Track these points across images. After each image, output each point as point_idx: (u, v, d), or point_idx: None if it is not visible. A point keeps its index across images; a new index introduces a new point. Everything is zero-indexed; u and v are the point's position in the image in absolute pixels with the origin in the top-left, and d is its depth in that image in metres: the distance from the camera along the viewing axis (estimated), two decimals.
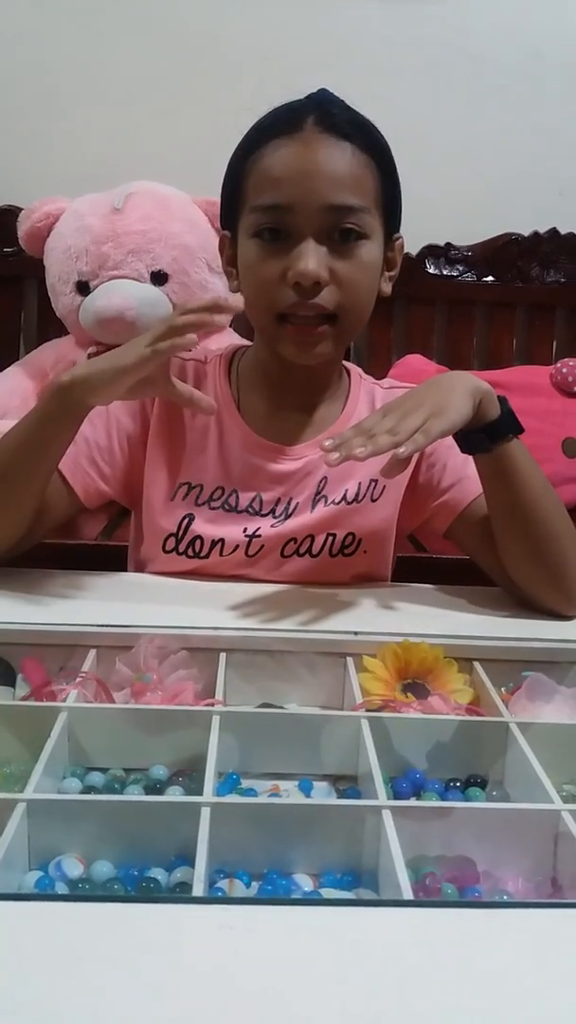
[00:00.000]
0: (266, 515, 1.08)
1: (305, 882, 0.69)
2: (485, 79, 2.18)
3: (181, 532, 1.08)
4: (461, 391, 0.97)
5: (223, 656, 0.91)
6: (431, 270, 2.22)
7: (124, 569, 1.17)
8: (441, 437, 0.94)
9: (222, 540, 1.08)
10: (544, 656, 0.94)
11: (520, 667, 0.92)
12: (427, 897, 0.65)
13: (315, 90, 1.04)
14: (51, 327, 2.07)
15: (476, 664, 0.92)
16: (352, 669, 0.91)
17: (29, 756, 0.75)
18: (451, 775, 0.82)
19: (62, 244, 1.88)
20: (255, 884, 0.68)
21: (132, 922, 0.55)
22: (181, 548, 1.09)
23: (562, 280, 2.25)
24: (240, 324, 1.82)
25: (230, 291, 1.09)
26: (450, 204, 2.17)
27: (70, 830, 0.69)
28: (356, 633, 0.95)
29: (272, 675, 0.93)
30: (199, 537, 1.08)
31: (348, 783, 0.82)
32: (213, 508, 1.08)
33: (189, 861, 0.64)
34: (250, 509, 1.08)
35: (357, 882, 0.69)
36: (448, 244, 2.22)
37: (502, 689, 0.89)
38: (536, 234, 2.23)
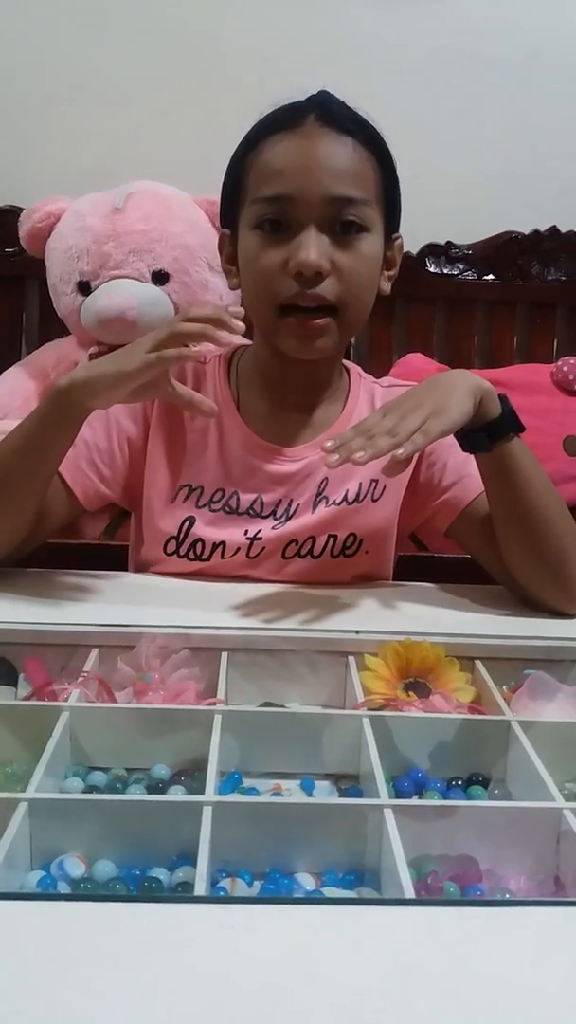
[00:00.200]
0: (267, 517, 1.08)
1: (307, 881, 0.69)
2: (484, 78, 2.18)
3: (182, 535, 1.08)
4: (462, 390, 0.97)
5: (225, 655, 0.91)
6: (431, 269, 2.22)
7: (126, 569, 1.17)
8: (441, 437, 0.94)
9: (223, 542, 1.08)
10: (546, 654, 0.94)
11: (522, 665, 0.92)
12: (429, 896, 0.65)
13: (316, 91, 1.04)
14: (52, 327, 2.07)
15: (478, 663, 0.92)
16: (354, 668, 0.91)
17: (31, 756, 0.75)
18: (453, 774, 0.82)
19: (63, 244, 1.88)
20: (257, 883, 0.68)
21: (134, 921, 0.55)
22: (182, 551, 1.09)
23: (563, 278, 2.25)
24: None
25: (229, 288, 1.09)
26: (450, 203, 2.17)
27: (72, 830, 0.69)
28: (357, 632, 0.95)
29: (274, 674, 0.93)
30: (200, 540, 1.08)
31: (350, 782, 0.82)
32: (214, 510, 1.08)
33: (191, 860, 0.64)
34: (251, 511, 1.08)
35: (359, 881, 0.69)
36: (449, 243, 2.22)
37: (504, 687, 0.89)
38: (536, 232, 2.23)
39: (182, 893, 0.65)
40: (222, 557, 1.08)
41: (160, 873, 0.68)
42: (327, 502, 1.08)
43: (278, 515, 1.08)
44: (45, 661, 0.89)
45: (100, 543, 1.53)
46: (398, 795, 0.78)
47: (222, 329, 0.93)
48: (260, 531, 1.07)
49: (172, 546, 1.09)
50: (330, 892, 0.68)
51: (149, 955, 0.52)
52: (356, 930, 0.56)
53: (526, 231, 2.23)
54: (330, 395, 1.12)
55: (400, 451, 0.89)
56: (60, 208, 1.93)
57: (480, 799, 0.78)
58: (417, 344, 2.19)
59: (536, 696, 0.86)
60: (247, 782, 0.81)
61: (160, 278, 1.85)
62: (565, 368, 2.00)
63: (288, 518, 1.08)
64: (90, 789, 0.78)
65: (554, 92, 2.20)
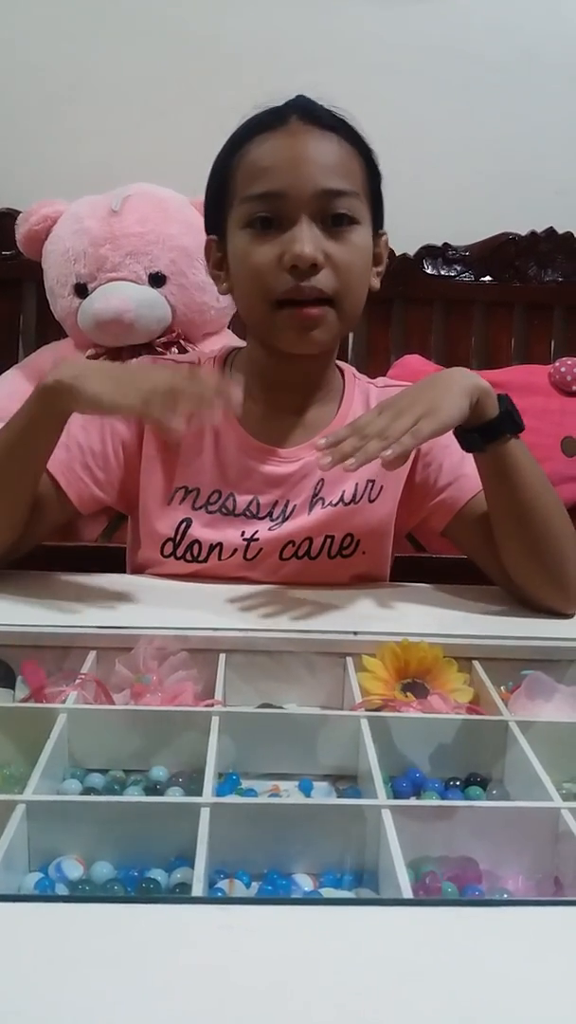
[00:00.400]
0: (263, 518, 1.08)
1: (305, 882, 0.69)
2: (481, 79, 2.18)
3: (179, 536, 1.08)
4: (457, 390, 0.97)
5: (223, 657, 0.91)
6: (429, 270, 2.22)
7: (123, 571, 1.17)
8: (433, 437, 0.94)
9: (220, 544, 1.08)
10: (543, 655, 0.94)
11: (519, 666, 0.92)
12: (427, 896, 0.65)
13: (294, 96, 1.04)
14: (50, 330, 2.07)
15: (475, 663, 0.92)
16: (351, 669, 0.91)
17: (29, 758, 0.75)
18: (451, 774, 0.82)
19: (60, 247, 1.89)
20: (255, 884, 0.68)
21: (132, 923, 0.55)
22: (179, 552, 1.09)
23: (559, 279, 2.25)
24: (238, 324, 1.82)
25: (219, 294, 1.09)
26: (447, 204, 2.18)
27: (70, 831, 0.69)
28: (355, 633, 0.95)
29: (272, 675, 0.93)
30: (197, 541, 1.08)
31: (348, 783, 0.82)
32: (210, 512, 1.08)
33: (189, 862, 0.64)
34: (247, 512, 1.08)
35: (357, 882, 0.69)
36: (446, 244, 2.22)
37: (502, 688, 0.89)
38: (533, 233, 2.23)
39: (180, 894, 0.65)
40: (219, 559, 1.08)
41: (158, 874, 0.68)
42: (323, 503, 1.08)
43: (275, 516, 1.08)
44: (43, 663, 0.89)
45: (98, 545, 1.53)
46: (396, 796, 0.78)
47: (219, 402, 0.92)
48: (257, 532, 1.07)
49: (169, 548, 1.09)
50: (328, 893, 0.68)
51: (147, 956, 0.52)
52: (354, 931, 0.56)
53: (523, 232, 2.23)
54: (324, 396, 1.12)
55: (388, 453, 0.90)
56: (57, 211, 1.93)
57: (478, 799, 0.78)
58: (414, 345, 2.19)
59: (534, 696, 0.86)
60: (245, 783, 0.81)
61: (157, 280, 1.85)
62: (563, 369, 2.01)
63: (285, 519, 1.08)
64: (88, 791, 0.78)
65: (551, 93, 2.21)
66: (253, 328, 1.09)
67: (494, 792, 0.80)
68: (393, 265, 2.12)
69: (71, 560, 1.13)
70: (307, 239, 0.98)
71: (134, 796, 0.76)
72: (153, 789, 0.78)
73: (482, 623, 1.01)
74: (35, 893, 0.65)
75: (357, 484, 1.09)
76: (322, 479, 1.08)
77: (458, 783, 0.81)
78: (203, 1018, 0.48)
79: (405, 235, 2.11)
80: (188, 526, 1.08)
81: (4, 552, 1.04)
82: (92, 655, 0.90)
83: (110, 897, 0.64)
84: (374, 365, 2.11)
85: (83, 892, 0.65)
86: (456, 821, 0.70)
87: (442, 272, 2.23)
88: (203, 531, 1.08)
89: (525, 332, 2.29)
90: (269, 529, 1.08)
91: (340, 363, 1.15)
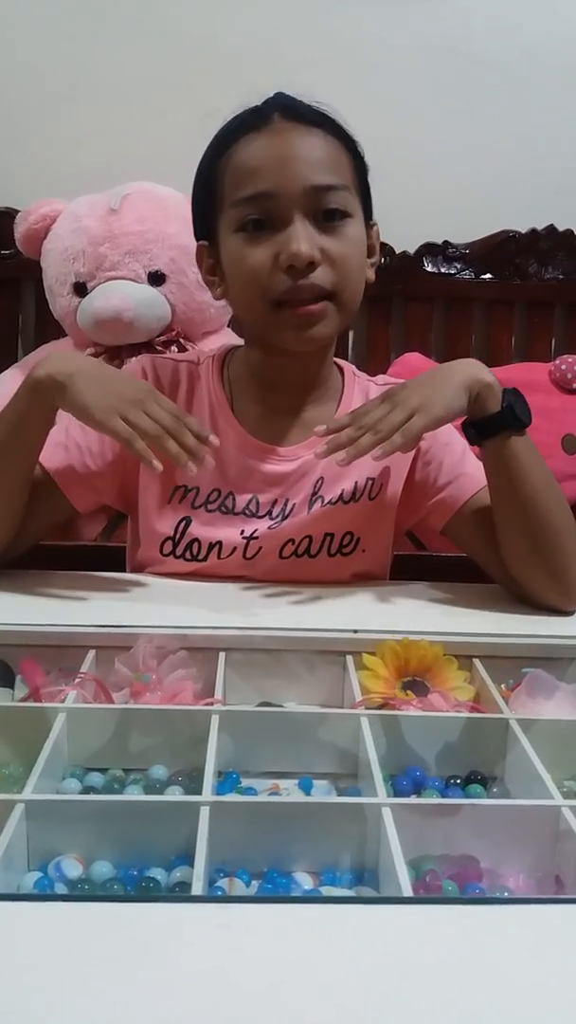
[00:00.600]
0: (263, 516, 1.08)
1: (305, 880, 0.69)
2: (480, 78, 2.18)
3: (178, 535, 1.08)
4: (456, 383, 0.98)
5: (222, 655, 0.91)
6: (429, 268, 2.22)
7: (123, 571, 1.17)
8: (424, 432, 0.96)
9: (219, 542, 1.07)
10: (544, 652, 0.94)
11: (520, 664, 0.92)
12: (428, 894, 0.65)
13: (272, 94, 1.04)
14: (49, 329, 2.07)
15: (476, 661, 0.92)
16: (352, 667, 0.91)
17: (28, 757, 0.75)
18: (451, 772, 0.82)
19: (59, 246, 1.88)
20: (255, 883, 0.68)
21: (132, 922, 0.55)
22: (179, 551, 1.08)
23: (560, 277, 2.25)
24: (237, 322, 1.82)
25: (214, 299, 1.08)
26: (447, 202, 2.18)
27: (69, 831, 0.69)
28: (355, 631, 0.94)
29: (271, 674, 0.93)
30: (196, 540, 1.08)
31: (348, 781, 0.82)
32: (210, 510, 1.08)
33: (189, 861, 0.64)
34: (247, 511, 1.08)
35: (357, 880, 0.69)
36: (446, 242, 2.22)
37: (502, 686, 0.89)
38: (533, 231, 2.23)
39: (180, 893, 0.64)
40: (219, 557, 1.07)
41: (158, 873, 0.68)
42: (323, 501, 1.08)
43: (274, 515, 1.08)
44: (42, 662, 0.89)
45: (97, 544, 1.53)
46: (396, 794, 0.78)
47: (200, 452, 0.96)
48: (256, 531, 1.07)
49: (168, 547, 1.09)
50: (328, 891, 0.68)
51: (147, 955, 0.52)
52: (354, 929, 0.56)
53: (523, 230, 2.23)
54: (323, 395, 1.12)
55: (378, 453, 0.93)
56: (56, 210, 1.93)
57: (479, 797, 0.78)
58: (415, 343, 2.19)
59: (534, 694, 0.86)
60: (245, 782, 0.81)
61: (156, 279, 1.85)
62: (563, 367, 2.00)
63: (284, 518, 1.08)
64: (87, 790, 0.78)
65: (551, 91, 2.21)
66: (252, 330, 1.09)
67: (494, 790, 0.80)
68: (393, 263, 2.15)
69: (70, 559, 1.13)
70: (302, 238, 0.97)
71: (134, 795, 0.76)
72: (153, 788, 0.78)
73: (482, 621, 1.00)
74: (34, 892, 0.65)
75: (357, 482, 1.09)
76: (321, 477, 1.08)
77: (458, 781, 0.81)
78: (203, 1017, 0.48)
79: (405, 233, 2.11)
80: (187, 525, 1.08)
81: (2, 549, 1.04)
82: (91, 654, 0.90)
83: (110, 896, 0.64)
84: (374, 363, 2.11)
85: (83, 891, 0.65)
86: (456, 819, 0.70)
87: (442, 270, 2.23)
88: (202, 530, 1.08)
89: (525, 330, 2.29)
90: (269, 528, 1.07)
91: (340, 361, 1.15)
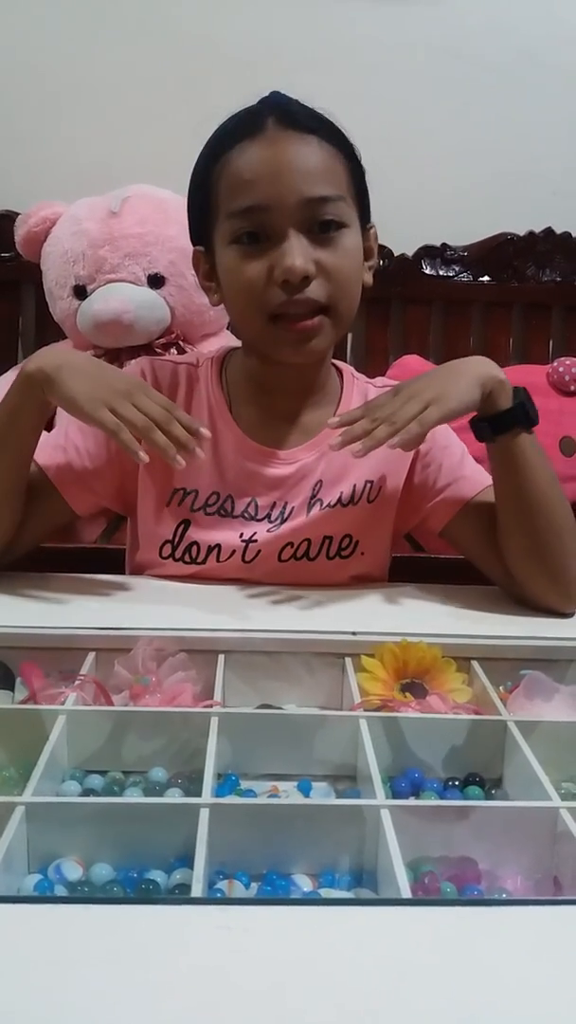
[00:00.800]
0: (262, 520, 1.08)
1: (304, 882, 0.69)
2: (478, 80, 2.18)
3: (177, 538, 1.08)
4: (470, 378, 0.98)
5: (222, 657, 0.91)
6: (427, 271, 2.22)
7: (123, 573, 1.17)
8: (440, 423, 0.96)
9: (218, 546, 1.08)
10: (542, 654, 0.94)
11: (518, 666, 0.92)
12: (426, 896, 0.65)
13: (267, 93, 1.03)
14: (49, 332, 2.07)
15: (474, 663, 0.92)
16: (350, 669, 0.91)
17: (28, 759, 0.75)
18: (450, 774, 0.82)
19: (59, 248, 1.89)
20: (254, 885, 0.68)
21: (131, 924, 0.55)
22: (178, 554, 1.09)
23: (558, 279, 2.25)
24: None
25: (211, 305, 1.08)
26: (445, 205, 2.18)
27: (69, 833, 0.69)
28: (354, 633, 0.95)
29: (271, 676, 0.93)
30: (195, 543, 1.08)
31: (347, 783, 0.82)
32: (209, 513, 1.08)
33: (188, 863, 0.64)
34: (246, 514, 1.08)
35: (356, 882, 0.69)
36: (444, 244, 2.22)
37: (500, 688, 0.90)
38: (531, 233, 2.23)
39: (179, 895, 0.65)
40: (217, 560, 1.08)
41: (157, 875, 0.68)
42: (321, 504, 1.08)
43: (272, 518, 1.08)
44: (42, 664, 0.89)
45: (97, 546, 1.53)
46: (395, 796, 0.78)
47: (190, 444, 0.96)
48: (255, 534, 1.07)
49: (167, 550, 1.09)
50: (327, 893, 0.68)
51: (147, 957, 0.52)
52: (353, 931, 0.56)
53: (521, 232, 2.23)
54: (321, 399, 1.12)
55: (395, 441, 0.93)
56: (56, 212, 1.93)
57: (477, 799, 0.78)
58: (413, 346, 2.19)
59: (533, 696, 0.86)
60: (244, 784, 0.81)
61: (156, 281, 1.85)
62: (561, 369, 2.00)
63: (283, 521, 1.08)
64: (87, 792, 0.78)
65: (549, 93, 2.21)
66: (249, 341, 1.09)
67: (493, 792, 0.80)
68: (392, 265, 2.15)
69: (70, 562, 1.13)
70: (296, 252, 0.96)
71: (133, 797, 0.76)
72: (152, 790, 0.78)
73: (481, 623, 1.01)
74: (34, 895, 0.65)
75: (355, 485, 1.09)
76: (320, 480, 1.08)
77: (457, 783, 0.81)
78: (203, 1018, 0.49)
79: (403, 235, 2.11)
80: (186, 528, 1.08)
81: (1, 549, 1.05)
82: (91, 656, 0.90)
83: (109, 898, 0.64)
84: (373, 365, 2.11)
85: (82, 893, 0.65)
86: (455, 821, 0.71)
87: (440, 272, 2.23)
88: (201, 533, 1.08)
89: (523, 332, 2.29)
90: (267, 531, 1.08)
91: (339, 363, 1.15)
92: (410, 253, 2.20)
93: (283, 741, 0.83)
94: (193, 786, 0.76)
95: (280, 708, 0.90)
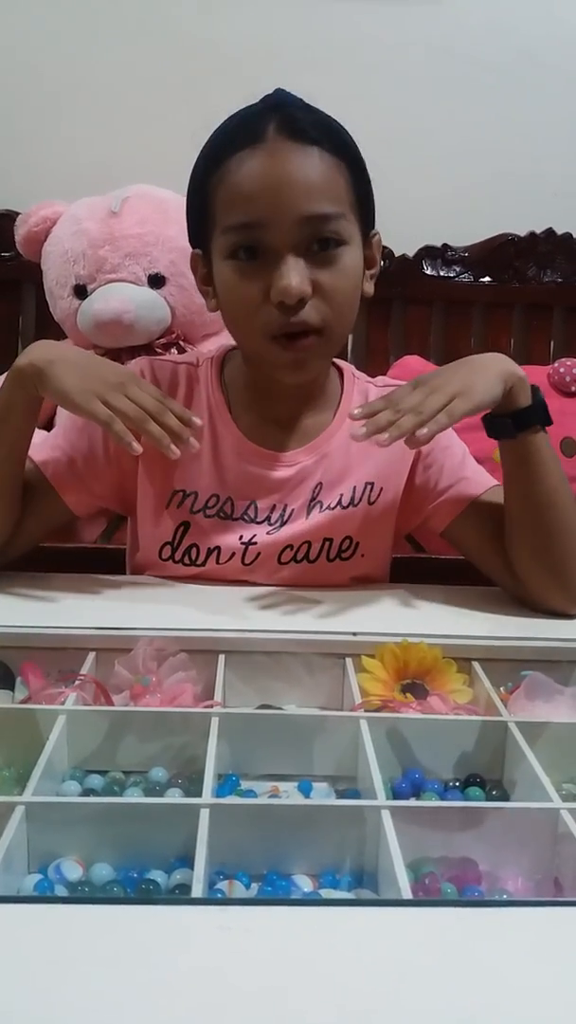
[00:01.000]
0: (261, 522, 1.08)
1: (305, 883, 0.69)
2: (479, 80, 2.18)
3: (177, 540, 1.08)
4: (493, 373, 0.97)
5: (222, 658, 0.91)
6: (428, 271, 2.22)
7: (123, 573, 1.17)
8: (467, 416, 0.94)
9: (218, 548, 1.07)
10: (543, 655, 0.94)
11: (519, 666, 0.92)
12: (427, 897, 0.65)
13: (271, 91, 1.01)
14: (49, 331, 2.07)
15: (475, 664, 0.92)
16: (351, 670, 0.91)
17: (28, 759, 0.75)
18: (450, 775, 0.82)
19: (59, 248, 1.89)
20: (255, 885, 0.68)
21: (132, 924, 0.55)
22: (177, 556, 1.08)
23: (559, 280, 2.25)
24: None
25: (208, 311, 1.07)
26: (446, 205, 2.18)
27: (69, 833, 0.69)
28: (355, 634, 0.95)
29: (271, 676, 0.93)
30: (195, 545, 1.08)
31: (347, 784, 0.82)
32: (208, 516, 1.08)
33: (188, 863, 0.64)
34: (245, 517, 1.08)
35: (357, 883, 0.69)
36: (445, 245, 2.22)
37: (501, 689, 0.89)
38: (532, 234, 2.23)
39: (180, 895, 0.65)
40: (217, 562, 1.07)
41: (158, 875, 0.68)
42: (321, 507, 1.08)
43: (272, 521, 1.08)
44: (42, 664, 0.89)
45: (97, 546, 1.53)
46: (396, 797, 0.78)
47: (185, 434, 0.96)
48: (255, 536, 1.07)
49: (167, 552, 1.09)
50: (327, 894, 0.68)
51: (147, 957, 0.52)
52: (354, 931, 0.56)
53: (522, 233, 2.23)
54: (321, 401, 1.11)
55: (424, 432, 0.91)
56: (56, 212, 1.93)
57: (478, 800, 0.78)
58: (414, 346, 2.19)
59: (533, 697, 0.86)
60: (244, 784, 0.81)
61: (156, 281, 1.85)
62: (562, 370, 2.00)
63: (283, 524, 1.08)
64: (87, 792, 0.78)
65: (549, 93, 2.21)
66: (246, 355, 1.08)
67: (493, 793, 0.80)
68: (392, 266, 2.15)
69: (70, 562, 1.13)
70: (292, 274, 0.94)
71: (133, 797, 0.76)
72: (152, 790, 0.78)
73: (481, 624, 1.01)
74: (34, 895, 0.65)
75: (355, 487, 1.09)
76: (320, 483, 1.08)
77: (457, 784, 0.81)
78: (203, 1019, 0.49)
79: (404, 236, 2.11)
80: (186, 530, 1.08)
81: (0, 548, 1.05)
82: (91, 656, 0.90)
83: (110, 898, 0.64)
84: (373, 366, 2.11)
85: (82, 893, 0.65)
86: (456, 822, 0.71)
87: (441, 273, 2.23)
88: (201, 535, 1.08)
89: (524, 333, 2.29)
90: (267, 534, 1.07)
91: (339, 362, 1.14)
92: (411, 254, 2.19)
93: (283, 742, 0.83)
94: (193, 786, 0.76)
95: (280, 708, 0.90)
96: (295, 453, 1.09)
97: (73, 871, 0.67)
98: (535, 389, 1.01)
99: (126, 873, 0.68)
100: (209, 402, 1.09)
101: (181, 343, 1.87)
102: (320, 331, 0.98)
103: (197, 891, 0.60)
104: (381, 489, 1.09)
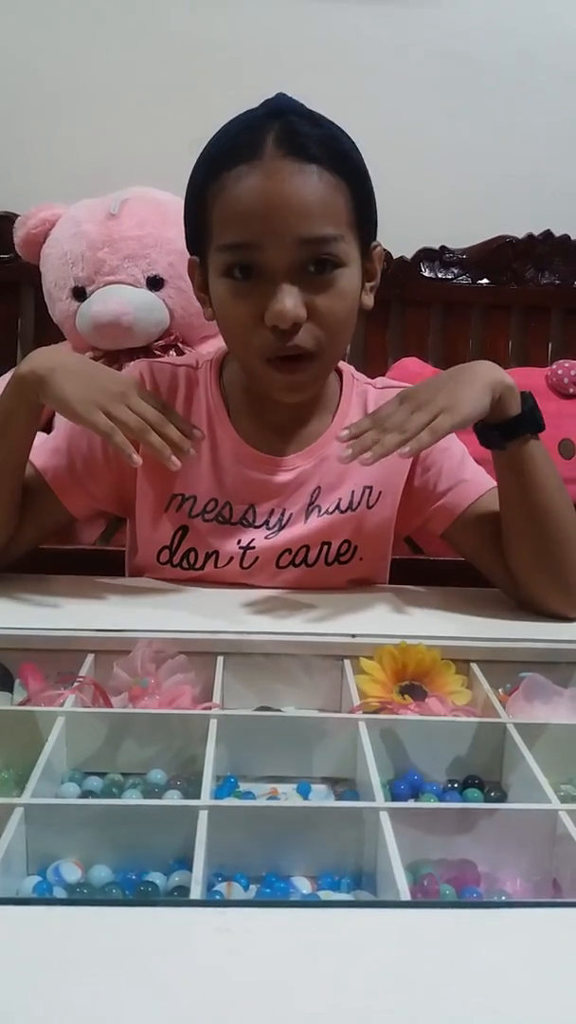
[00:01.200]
0: (260, 527, 1.08)
1: (303, 884, 0.69)
2: (477, 82, 2.19)
3: (175, 544, 1.08)
4: (480, 384, 0.97)
5: (221, 660, 0.91)
6: (426, 273, 2.22)
7: (122, 575, 1.17)
8: (452, 432, 0.95)
9: (216, 552, 1.07)
10: (541, 657, 0.94)
11: (517, 668, 0.92)
12: (425, 899, 0.65)
13: (272, 95, 0.99)
14: (48, 333, 2.07)
15: (473, 665, 0.93)
16: (349, 671, 0.91)
17: (27, 761, 0.75)
18: (449, 776, 0.82)
19: (58, 250, 1.88)
20: (253, 887, 0.68)
21: (130, 926, 0.55)
22: (176, 560, 1.08)
23: (557, 282, 2.26)
24: None
25: (205, 319, 1.06)
26: (444, 207, 2.18)
27: (68, 835, 0.69)
28: (353, 635, 0.95)
29: (270, 678, 0.93)
30: (193, 549, 1.08)
31: (346, 786, 0.82)
32: (207, 520, 1.08)
33: (187, 865, 0.64)
34: (244, 521, 1.08)
35: (355, 884, 0.69)
36: (443, 247, 2.23)
37: (499, 690, 0.90)
38: (530, 236, 2.24)
39: (178, 897, 0.65)
40: (216, 566, 1.07)
41: (156, 877, 0.68)
42: (320, 511, 1.08)
43: (271, 525, 1.08)
44: (41, 666, 0.89)
45: (96, 548, 1.52)
46: (394, 798, 0.78)
47: (185, 445, 0.98)
48: (253, 541, 1.07)
49: (165, 555, 1.09)
50: (326, 895, 0.68)
51: (146, 959, 0.52)
52: (352, 933, 0.56)
53: (520, 235, 2.23)
54: (320, 406, 1.10)
55: (406, 450, 0.91)
56: (55, 214, 1.93)
57: (476, 802, 0.78)
58: (412, 348, 2.19)
59: (532, 699, 0.87)
60: (243, 786, 0.81)
61: (155, 283, 1.85)
62: (560, 371, 2.01)
63: (281, 528, 1.08)
64: (86, 794, 0.78)
65: (548, 95, 2.21)
66: (242, 369, 1.07)
67: (492, 794, 0.80)
68: (391, 268, 2.15)
69: (69, 563, 1.13)
70: (288, 299, 0.93)
71: (132, 799, 0.76)
72: (151, 792, 0.78)
73: (480, 625, 1.01)
74: (33, 896, 0.65)
75: (354, 491, 1.09)
76: (318, 487, 1.08)
77: (456, 785, 0.81)
78: (202, 1020, 0.49)
79: (403, 238, 2.11)
80: (184, 534, 1.08)
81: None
82: (90, 658, 0.90)
83: (108, 900, 0.64)
84: (372, 367, 2.11)
85: (81, 895, 0.65)
86: (454, 823, 0.71)
87: (439, 275, 2.23)
88: (199, 539, 1.08)
89: (522, 335, 2.29)
90: (265, 538, 1.07)
91: (339, 364, 1.14)
92: (409, 256, 2.20)
93: (282, 743, 0.83)
94: (192, 788, 0.76)
95: (279, 710, 0.90)
96: (294, 458, 1.09)
97: (72, 873, 0.67)
98: (526, 396, 1.00)
99: (125, 875, 0.68)
100: (208, 406, 1.09)
101: (180, 345, 1.87)
102: (314, 355, 0.98)
103: (196, 893, 0.60)
104: (380, 493, 1.09)
